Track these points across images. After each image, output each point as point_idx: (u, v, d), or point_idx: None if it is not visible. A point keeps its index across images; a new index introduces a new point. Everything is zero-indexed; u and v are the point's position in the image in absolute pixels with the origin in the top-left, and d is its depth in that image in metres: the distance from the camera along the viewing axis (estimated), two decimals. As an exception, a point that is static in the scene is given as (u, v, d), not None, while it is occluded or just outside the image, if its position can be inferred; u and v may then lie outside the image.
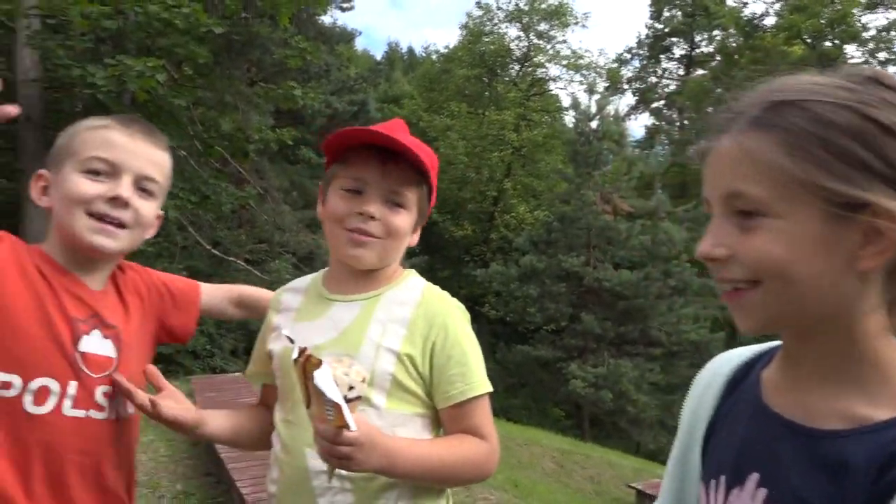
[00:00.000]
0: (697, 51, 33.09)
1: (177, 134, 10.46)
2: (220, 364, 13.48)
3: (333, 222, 1.39)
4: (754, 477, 0.81)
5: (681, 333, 18.28)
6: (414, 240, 1.46)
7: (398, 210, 1.38)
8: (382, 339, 1.34)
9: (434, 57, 38.77)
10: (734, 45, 28.22)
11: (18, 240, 1.33)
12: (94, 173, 1.30)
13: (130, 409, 1.37)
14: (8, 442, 1.21)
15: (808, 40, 23.79)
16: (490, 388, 1.38)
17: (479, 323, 24.67)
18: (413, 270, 1.50)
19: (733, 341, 18.68)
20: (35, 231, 9.59)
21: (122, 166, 1.31)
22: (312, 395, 1.09)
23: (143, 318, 1.45)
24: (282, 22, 10.35)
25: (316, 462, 1.26)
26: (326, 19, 22.75)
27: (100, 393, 1.30)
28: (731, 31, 28.29)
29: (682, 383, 15.73)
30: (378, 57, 43.60)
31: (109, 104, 9.26)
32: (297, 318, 1.45)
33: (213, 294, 1.65)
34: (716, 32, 31.33)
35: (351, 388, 1.11)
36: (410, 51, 49.85)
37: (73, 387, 1.26)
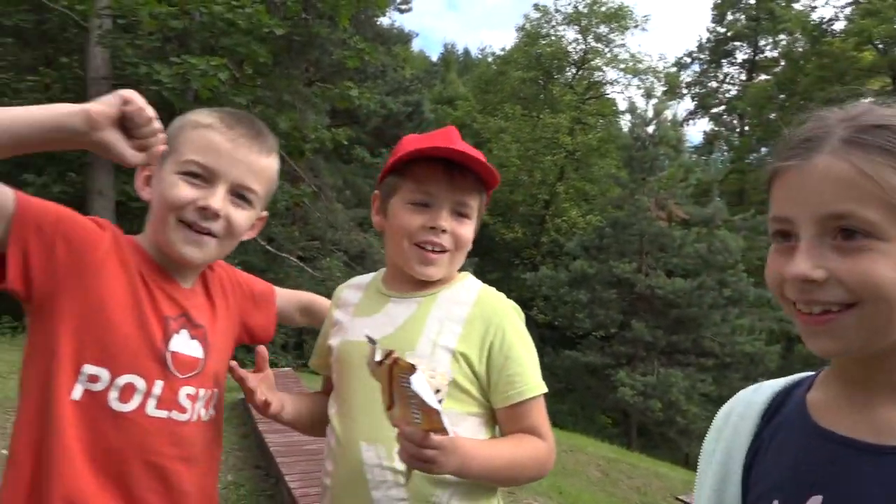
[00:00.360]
0: (761, 56, 32.20)
1: (236, 131, 10.72)
2: (270, 359, 13.74)
3: (401, 236, 1.40)
4: (816, 500, 0.80)
5: (734, 345, 17.81)
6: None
7: (464, 221, 1.41)
8: (439, 337, 1.35)
9: (490, 59, 38.77)
10: (800, 50, 27.35)
11: (119, 230, 1.30)
12: (191, 176, 1.25)
13: (212, 412, 1.35)
14: (89, 439, 1.17)
15: (880, 46, 22.87)
16: (545, 389, 1.39)
17: (528, 327, 24.46)
18: (469, 273, 1.52)
19: (789, 354, 18.13)
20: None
21: (218, 174, 1.25)
22: (398, 398, 1.08)
23: (227, 319, 1.43)
24: (342, 22, 10.51)
25: (370, 455, 1.30)
26: (384, 20, 23.03)
27: (184, 395, 1.27)
28: (798, 35, 27.42)
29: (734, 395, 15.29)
30: (434, 58, 43.86)
31: (174, 101, 9.55)
32: (355, 313, 1.48)
33: (286, 298, 1.65)
34: (781, 37, 30.43)
35: (437, 391, 1.11)
36: (466, 52, 50.01)
37: (158, 386, 1.23)
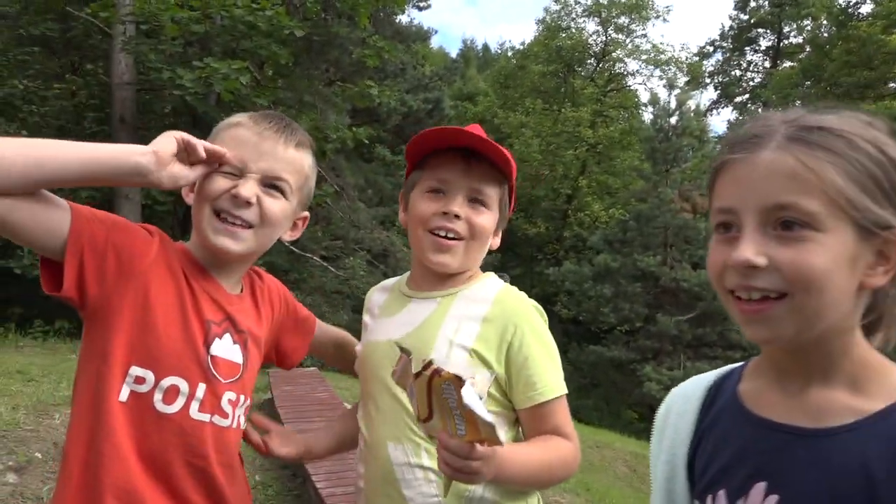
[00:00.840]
0: (785, 42, 31.69)
1: (258, 133, 10.81)
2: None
3: (416, 224, 1.41)
4: (760, 486, 0.85)
5: (763, 337, 17.56)
6: (495, 242, 1.49)
7: (481, 209, 1.40)
8: (456, 335, 1.35)
9: (509, 53, 38.64)
10: (825, 35, 26.84)
11: (166, 236, 1.34)
12: (224, 172, 1.29)
13: (243, 419, 1.38)
14: (138, 438, 1.21)
15: (909, 29, 22.39)
16: (566, 390, 1.38)
17: (551, 322, 24.09)
18: (492, 273, 1.52)
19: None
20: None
21: (247, 165, 1.29)
22: (439, 409, 1.05)
23: (269, 329, 1.46)
24: (361, 22, 10.55)
25: (397, 454, 1.31)
26: (403, 18, 23.05)
27: (226, 399, 1.29)
28: (823, 20, 26.92)
29: (763, 389, 15.09)
30: (453, 55, 43.83)
31: (196, 105, 9.67)
32: (380, 314, 1.52)
33: (324, 330, 1.66)
34: (806, 22, 29.91)
35: (480, 398, 1.05)
36: (485, 48, 49.88)
37: (201, 389, 1.26)
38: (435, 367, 1.03)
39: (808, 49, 28.55)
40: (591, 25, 30.39)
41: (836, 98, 23.88)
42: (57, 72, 12.69)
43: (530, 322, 1.39)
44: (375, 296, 1.59)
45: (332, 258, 15.88)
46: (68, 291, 1.18)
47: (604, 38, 29.97)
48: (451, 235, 1.38)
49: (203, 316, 1.29)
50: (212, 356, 1.27)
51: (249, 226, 1.29)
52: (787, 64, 30.68)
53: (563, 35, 30.00)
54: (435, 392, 1.03)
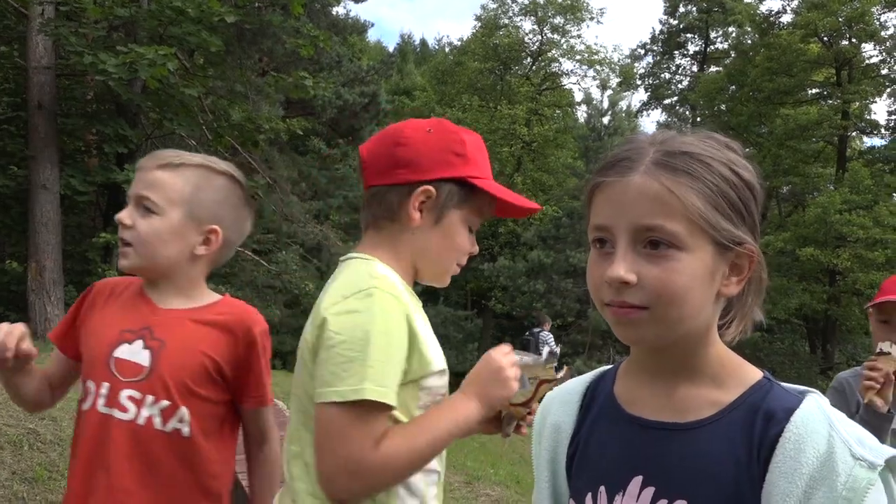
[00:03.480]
0: (712, 47, 32.84)
1: (187, 123, 10.48)
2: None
3: (455, 252, 1.44)
4: (637, 479, 0.92)
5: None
6: None
7: (474, 236, 1.51)
8: None
9: (447, 49, 38.69)
10: (749, 42, 27.96)
11: (106, 283, 1.65)
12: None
13: (178, 426, 1.46)
14: (77, 432, 1.52)
15: (825, 38, 23.51)
16: None
17: (485, 317, 24.66)
18: None
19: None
20: (41, 216, 9.63)
21: (129, 194, 1.53)
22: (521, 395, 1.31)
23: (212, 347, 1.52)
24: (295, 10, 10.31)
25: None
26: (339, 10, 22.72)
27: (124, 396, 1.45)
28: (747, 28, 28.01)
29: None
30: (391, 48, 43.53)
31: (120, 92, 9.27)
32: (424, 320, 1.41)
33: (262, 420, 1.64)
34: (731, 29, 31.05)
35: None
36: (423, 43, 49.74)
37: (105, 387, 1.46)
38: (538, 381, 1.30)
39: (733, 55, 29.68)
40: (527, 24, 30.80)
41: (758, 102, 24.91)
42: (-32, 53, 11.96)
43: None
44: (407, 297, 1.34)
45: (264, 252, 15.56)
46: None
47: (540, 38, 30.39)
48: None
49: (119, 327, 1.50)
50: (115, 358, 1.47)
51: (130, 244, 1.50)
52: (714, 69, 31.82)
53: (501, 33, 30.26)
54: (540, 395, 1.27)
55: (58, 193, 9.81)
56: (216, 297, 1.61)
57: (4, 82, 11.05)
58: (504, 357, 1.30)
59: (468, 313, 24.47)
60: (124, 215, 1.49)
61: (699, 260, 0.87)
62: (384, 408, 1.18)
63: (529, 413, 1.30)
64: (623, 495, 0.93)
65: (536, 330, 12.41)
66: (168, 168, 1.51)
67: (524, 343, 12.61)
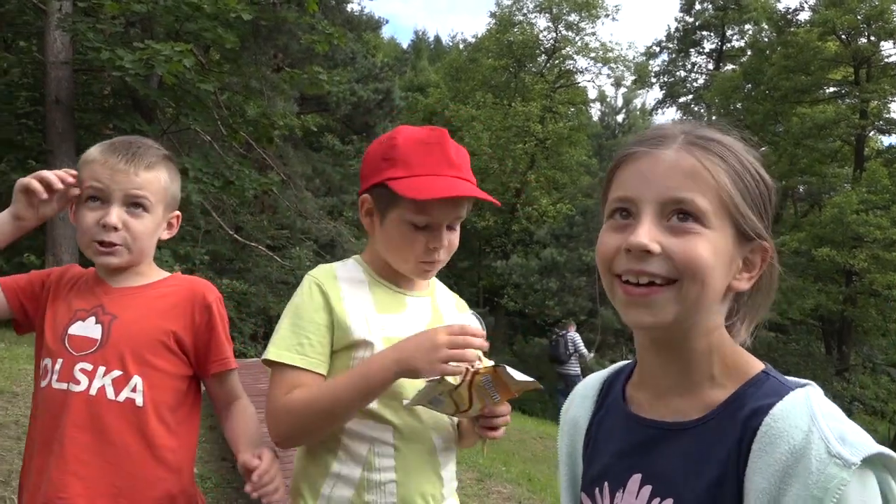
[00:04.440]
0: (728, 45, 32.56)
1: (202, 118, 10.54)
2: (238, 348, 13.61)
3: (403, 252, 1.48)
4: (636, 477, 0.94)
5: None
6: None
7: (456, 229, 1.52)
8: None
9: (461, 46, 38.63)
10: (766, 40, 27.69)
11: (67, 268, 1.69)
12: (90, 201, 1.55)
13: (132, 396, 1.50)
14: (34, 411, 1.56)
15: (843, 36, 23.25)
16: None
17: (497, 314, 24.64)
18: None
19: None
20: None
21: (108, 195, 1.53)
22: (478, 396, 1.34)
23: (167, 318, 1.58)
24: (310, 7, 10.34)
25: (439, 441, 1.48)
26: (354, 7, 22.76)
27: (77, 369, 1.49)
28: (764, 25, 27.74)
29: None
30: (405, 45, 43.55)
31: (137, 87, 9.34)
32: (378, 309, 1.49)
33: (228, 384, 1.68)
34: (748, 27, 30.77)
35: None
36: (437, 39, 49.71)
37: (59, 363, 1.51)
38: (475, 369, 1.32)
39: (749, 53, 29.42)
40: (542, 21, 30.64)
41: (775, 101, 24.69)
42: (-13, 48, 12.09)
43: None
44: (346, 287, 1.49)
45: (278, 248, 15.64)
46: (28, 328, 1.65)
47: (554, 35, 30.25)
48: (435, 261, 1.50)
49: (74, 307, 1.57)
50: (69, 335, 1.53)
51: (120, 244, 1.55)
52: (730, 67, 31.55)
53: (515, 30, 30.14)
54: (475, 386, 1.31)
55: (75, 188, 9.89)
56: (166, 273, 1.69)
57: (23, 77, 11.16)
58: (445, 333, 1.33)
59: (480, 310, 24.45)
60: (115, 219, 1.52)
61: (721, 241, 0.88)
62: (289, 367, 1.40)
63: (466, 410, 1.38)
64: (623, 492, 0.95)
65: (563, 332, 12.36)
66: (152, 168, 1.58)
67: (553, 346, 12.59)
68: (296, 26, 12.18)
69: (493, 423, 1.44)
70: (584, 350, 12.26)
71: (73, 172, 1.56)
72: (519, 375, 1.31)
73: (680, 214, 0.87)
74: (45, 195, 1.51)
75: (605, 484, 0.98)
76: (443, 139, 1.46)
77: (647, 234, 0.87)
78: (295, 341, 1.43)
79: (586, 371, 12.24)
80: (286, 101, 15.04)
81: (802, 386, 0.88)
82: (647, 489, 0.92)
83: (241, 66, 11.52)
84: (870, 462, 0.77)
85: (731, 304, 0.96)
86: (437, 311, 1.58)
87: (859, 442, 0.78)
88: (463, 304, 1.69)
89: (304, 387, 1.39)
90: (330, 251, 16.97)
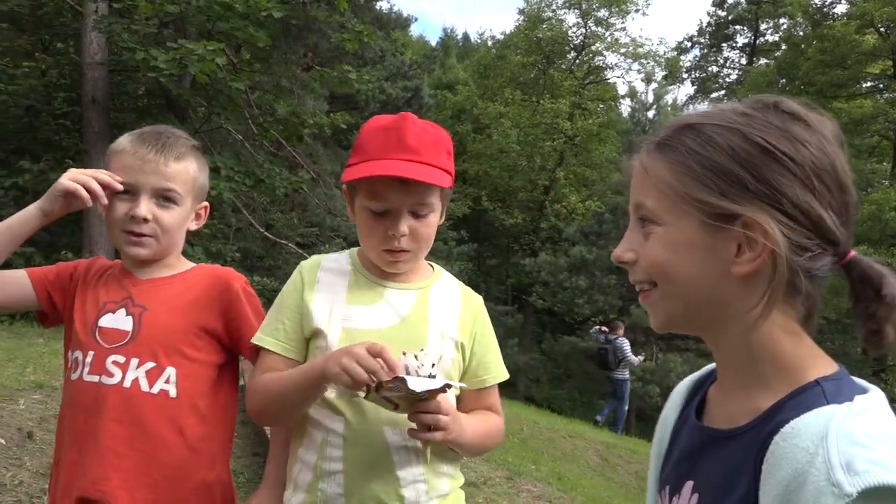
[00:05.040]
0: (762, 39, 32.00)
1: (234, 117, 10.67)
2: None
3: (366, 240, 1.48)
4: (689, 484, 0.92)
5: (734, 330, 17.81)
6: (442, 219, 1.54)
7: (423, 219, 1.45)
8: (444, 327, 1.50)
9: (489, 43, 38.54)
10: (801, 34, 27.14)
11: (91, 261, 1.71)
12: (120, 195, 1.55)
13: (165, 388, 1.51)
14: (62, 406, 1.57)
15: (882, 29, 22.69)
16: (507, 375, 1.61)
17: (526, 312, 24.56)
18: (439, 266, 1.64)
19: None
20: (94, 208, 9.92)
21: (137, 187, 1.54)
22: (400, 400, 1.28)
23: (196, 307, 1.60)
24: (340, 5, 10.40)
25: (396, 438, 1.41)
26: (383, 5, 22.86)
27: (110, 361, 1.50)
28: (799, 18, 27.19)
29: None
30: (433, 43, 43.56)
31: (171, 87, 9.50)
32: (349, 300, 1.49)
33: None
34: (782, 20, 30.20)
35: (433, 364, 1.40)
36: (465, 37, 49.61)
37: (90, 356, 1.52)
38: (378, 383, 1.25)
39: (783, 47, 28.87)
40: (571, 17, 30.40)
41: (810, 96, 24.21)
42: (27, 49, 12.37)
43: (485, 316, 1.61)
44: (324, 276, 1.52)
45: (307, 245, 15.78)
46: (55, 321, 1.65)
47: (584, 31, 30.00)
48: (398, 250, 1.45)
49: (101, 299, 1.58)
50: (100, 327, 1.54)
51: (150, 235, 1.56)
52: (763, 61, 31.00)
53: (544, 26, 29.96)
54: (386, 390, 1.25)
55: (110, 186, 10.10)
56: (191, 264, 1.70)
57: (60, 78, 11.41)
58: (363, 347, 1.29)
59: (509, 308, 24.38)
60: (144, 211, 1.53)
61: (678, 234, 0.85)
62: (267, 350, 1.48)
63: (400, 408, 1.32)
64: (678, 498, 0.93)
65: (612, 337, 12.24)
66: (182, 159, 1.59)
67: (601, 353, 12.48)
68: (326, 25, 12.26)
69: (421, 419, 1.31)
70: (631, 357, 12.15)
71: (118, 180, 1.55)
72: (421, 386, 1.25)
73: (642, 218, 0.90)
74: (90, 204, 1.52)
75: (668, 487, 0.97)
76: (402, 123, 1.42)
77: (621, 245, 0.91)
78: (273, 326, 1.50)
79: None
80: (316, 100, 15.16)
81: (865, 393, 0.80)
82: (696, 498, 0.90)
83: (271, 65, 11.64)
84: (873, 495, 0.67)
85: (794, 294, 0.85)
86: (423, 303, 1.51)
87: (868, 471, 0.68)
88: (474, 300, 1.60)
89: (275, 370, 1.46)
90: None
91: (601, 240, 19.96)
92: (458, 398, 1.53)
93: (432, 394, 1.28)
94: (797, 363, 0.85)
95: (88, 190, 1.50)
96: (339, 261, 1.57)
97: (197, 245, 11.37)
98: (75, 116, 10.91)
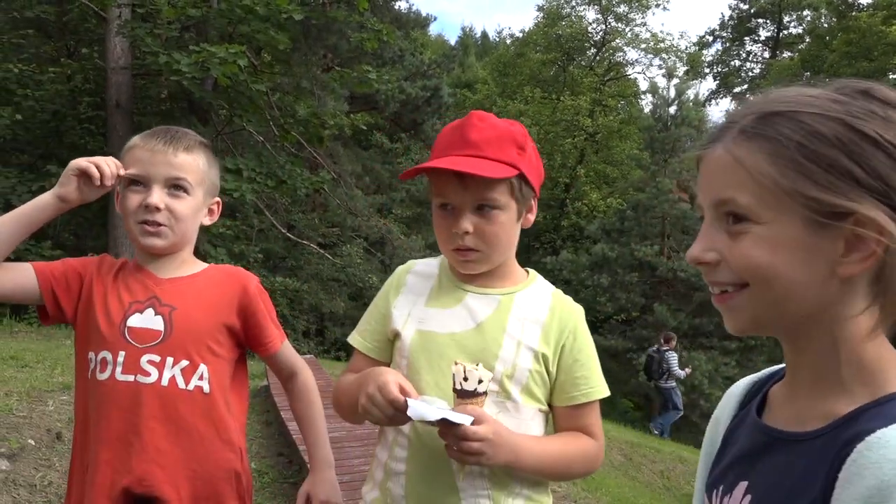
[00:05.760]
0: (785, 32, 31.56)
1: (255, 119, 10.75)
2: (292, 345, 13.80)
3: (439, 240, 1.46)
4: (742, 485, 0.87)
5: (759, 327, 17.60)
6: (529, 220, 1.48)
7: (491, 216, 1.39)
8: (522, 336, 1.41)
9: (508, 41, 38.44)
10: (825, 26, 26.73)
11: (106, 258, 1.70)
12: (133, 185, 1.60)
13: (199, 384, 1.58)
14: (85, 404, 1.56)
15: (909, 20, 22.29)
16: (607, 393, 1.45)
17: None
18: (537, 273, 1.55)
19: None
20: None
21: (149, 178, 1.58)
22: (422, 427, 1.31)
23: (218, 306, 1.65)
24: (360, 5, 10.44)
25: None
26: (402, 5, 22.89)
27: (145, 360, 1.54)
28: (823, 11, 26.79)
29: (759, 379, 15.19)
30: (452, 42, 43.54)
31: (193, 90, 9.59)
32: (428, 303, 1.48)
33: (285, 357, 1.79)
34: (806, 12, 29.78)
35: (480, 381, 1.26)
36: (484, 35, 49.58)
37: (121, 356, 1.54)
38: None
39: (807, 40, 28.47)
40: (590, 14, 30.27)
41: (836, 89, 23.79)
42: (52, 55, 12.58)
43: (581, 326, 1.48)
44: (412, 280, 1.54)
45: (328, 245, 15.86)
46: (55, 318, 1.63)
47: (603, 27, 29.83)
48: (465, 249, 1.41)
49: (125, 299, 1.59)
50: (129, 327, 1.56)
51: (164, 225, 1.59)
52: (787, 55, 30.59)
53: (563, 23, 29.84)
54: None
55: (135, 189, 10.24)
56: (204, 264, 1.74)
57: (85, 83, 11.58)
58: (372, 387, 1.29)
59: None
60: (157, 200, 1.57)
61: (781, 233, 0.78)
62: (356, 350, 1.52)
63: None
64: (730, 498, 0.89)
65: (664, 348, 12.29)
66: (190, 150, 1.63)
67: (648, 362, 12.60)
68: (345, 25, 12.30)
69: (447, 441, 1.27)
70: (677, 371, 12.18)
71: (131, 172, 1.60)
72: (419, 416, 1.22)
73: (731, 216, 0.81)
74: (99, 182, 1.53)
75: (721, 487, 0.92)
76: (467, 121, 1.40)
77: (698, 244, 0.84)
78: (363, 327, 1.54)
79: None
80: (336, 101, 15.21)
81: None
82: (748, 499, 0.85)
83: (291, 67, 11.71)
84: None
85: (875, 293, 0.80)
86: (503, 310, 1.44)
87: None
88: (566, 310, 1.47)
89: (360, 369, 1.46)
90: (380, 248, 17.10)
91: (623, 237, 19.77)
92: (552, 416, 1.46)
93: (440, 422, 1.22)
94: (881, 369, 0.80)
95: (98, 168, 1.53)
96: (430, 265, 1.57)
97: (220, 246, 11.48)
98: (100, 121, 11.06)
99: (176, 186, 1.60)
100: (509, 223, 1.41)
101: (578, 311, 1.50)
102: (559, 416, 1.45)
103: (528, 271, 1.54)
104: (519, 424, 1.36)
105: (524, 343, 1.40)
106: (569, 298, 1.52)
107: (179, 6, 9.06)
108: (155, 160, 1.58)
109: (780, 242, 0.78)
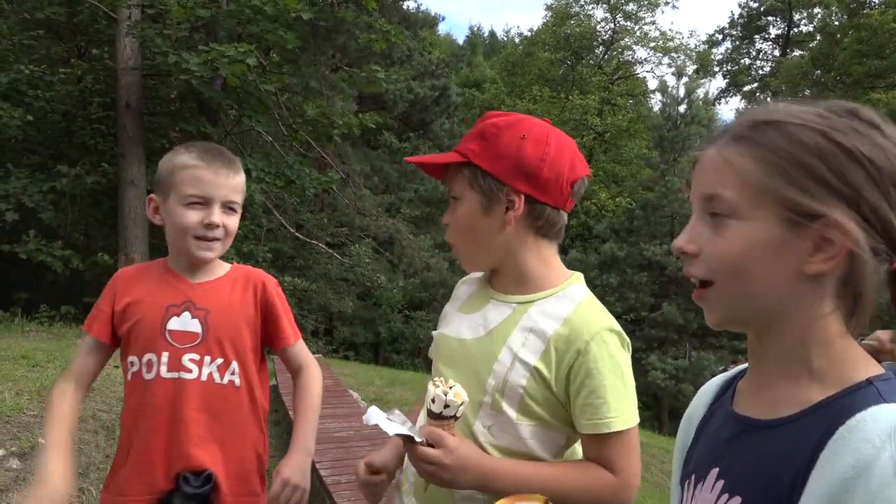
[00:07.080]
0: (795, 30, 31.37)
1: (264, 119, 10.77)
2: (301, 343, 13.83)
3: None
4: (714, 472, 0.92)
5: (769, 327, 17.52)
6: (510, 217, 1.34)
7: (453, 205, 1.39)
8: (521, 349, 1.30)
9: (516, 40, 38.37)
10: (836, 23, 26.55)
11: (126, 272, 1.86)
12: (193, 205, 1.73)
13: (232, 378, 1.76)
14: (135, 403, 1.73)
15: (921, 18, 22.09)
16: (629, 425, 1.27)
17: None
18: (580, 277, 1.44)
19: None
20: (128, 211, 10.12)
21: (211, 198, 1.73)
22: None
23: (244, 306, 1.83)
24: (368, 5, 10.45)
25: None
26: (410, 4, 22.89)
27: (186, 359, 1.72)
28: (834, 8, 26.60)
29: (769, 379, 15.11)
30: (460, 41, 43.51)
31: (202, 90, 9.62)
32: (461, 308, 1.49)
33: (296, 353, 1.94)
34: (816, 10, 29.58)
35: (446, 406, 1.22)
36: (492, 34, 49.52)
37: (165, 356, 1.71)
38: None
39: (818, 37, 28.26)
40: (599, 13, 30.19)
41: (846, 87, 23.65)
42: (63, 56, 12.64)
43: (597, 347, 1.27)
44: (463, 288, 1.57)
45: (337, 245, 15.88)
46: (118, 343, 1.82)
47: (612, 26, 29.74)
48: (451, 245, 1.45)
49: (162, 304, 1.75)
50: (169, 330, 1.73)
51: (219, 239, 1.76)
52: (797, 52, 30.40)
53: (572, 22, 29.77)
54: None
55: (145, 189, 10.30)
56: (227, 265, 1.91)
57: (96, 84, 11.63)
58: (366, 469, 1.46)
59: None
60: (218, 220, 1.74)
61: (759, 230, 0.85)
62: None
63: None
64: (703, 485, 0.94)
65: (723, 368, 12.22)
66: (237, 173, 1.81)
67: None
68: (353, 25, 12.32)
69: (418, 464, 1.25)
70: None
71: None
72: (387, 427, 1.22)
73: (714, 211, 0.88)
74: None
75: (693, 476, 0.97)
76: (481, 119, 1.42)
77: (683, 236, 0.90)
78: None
79: None
80: (345, 101, 15.24)
81: None
82: (720, 483, 0.90)
83: (300, 67, 11.73)
84: None
85: (841, 290, 0.85)
86: (514, 319, 1.35)
87: None
88: (584, 327, 1.28)
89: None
90: (388, 248, 17.12)
91: (632, 237, 19.73)
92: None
93: (406, 439, 1.24)
94: (849, 362, 0.86)
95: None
96: (480, 273, 1.54)
97: (230, 246, 11.51)
98: (110, 121, 11.11)
99: (230, 207, 1.78)
100: (470, 216, 1.35)
101: (599, 325, 1.29)
102: (583, 444, 1.32)
103: (572, 274, 1.43)
104: (515, 441, 1.28)
105: (520, 357, 1.29)
106: (598, 313, 1.34)
107: (189, 7, 9.09)
108: (218, 182, 1.74)
109: (756, 238, 0.85)
